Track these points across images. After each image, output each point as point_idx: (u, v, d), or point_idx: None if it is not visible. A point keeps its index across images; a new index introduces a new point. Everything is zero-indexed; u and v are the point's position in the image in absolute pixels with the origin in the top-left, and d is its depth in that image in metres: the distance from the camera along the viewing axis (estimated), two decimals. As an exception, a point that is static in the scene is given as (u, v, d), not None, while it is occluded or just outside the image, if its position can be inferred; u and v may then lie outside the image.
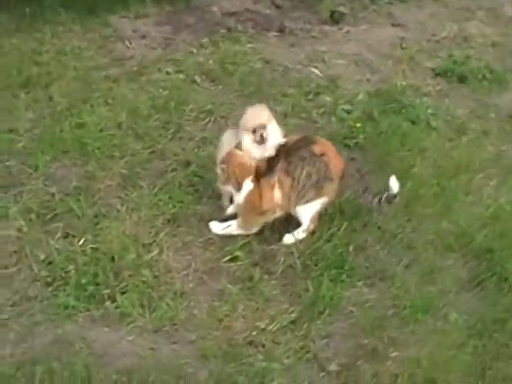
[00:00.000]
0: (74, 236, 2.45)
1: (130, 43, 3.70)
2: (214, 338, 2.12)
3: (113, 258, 2.32)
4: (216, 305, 2.24)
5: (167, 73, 3.53)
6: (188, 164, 2.88)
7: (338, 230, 2.50)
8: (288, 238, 2.52)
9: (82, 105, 3.17)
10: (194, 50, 3.74)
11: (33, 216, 2.51)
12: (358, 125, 3.11)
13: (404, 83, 3.59)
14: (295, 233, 2.52)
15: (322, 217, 2.55)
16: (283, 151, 2.40)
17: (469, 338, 2.18)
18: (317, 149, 2.46)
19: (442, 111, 3.41)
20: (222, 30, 3.91)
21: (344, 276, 2.37)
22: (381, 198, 2.51)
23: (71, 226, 2.49)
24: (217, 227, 2.53)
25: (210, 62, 3.61)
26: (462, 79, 3.72)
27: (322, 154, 2.45)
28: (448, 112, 3.39)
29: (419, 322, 2.23)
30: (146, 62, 3.58)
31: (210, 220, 2.55)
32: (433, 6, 4.57)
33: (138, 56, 3.62)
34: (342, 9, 4.24)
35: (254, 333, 2.14)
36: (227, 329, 2.15)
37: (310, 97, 3.43)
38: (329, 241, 2.47)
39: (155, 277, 2.30)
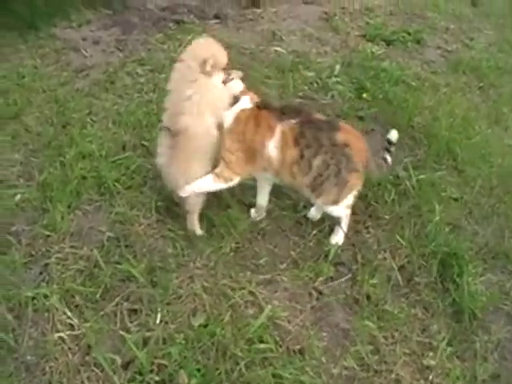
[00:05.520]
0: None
1: (86, 51, 3.20)
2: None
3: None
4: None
5: (138, 74, 3.15)
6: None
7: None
8: (335, 239, 2.29)
9: (70, 130, 2.63)
10: (154, 47, 3.41)
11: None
12: (365, 95, 3.14)
13: (367, 49, 3.75)
14: (336, 231, 2.30)
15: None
16: (301, 115, 2.14)
17: None
18: (340, 137, 2.14)
19: (405, 70, 3.58)
20: (170, 24, 3.63)
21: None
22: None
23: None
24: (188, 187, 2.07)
25: (181, 55, 3.32)
26: (388, 42, 4.04)
27: (346, 145, 2.15)
28: (410, 70, 3.61)
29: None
30: (111, 67, 3.15)
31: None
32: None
33: (100, 63, 3.16)
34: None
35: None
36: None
37: (291, 75, 3.35)
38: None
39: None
